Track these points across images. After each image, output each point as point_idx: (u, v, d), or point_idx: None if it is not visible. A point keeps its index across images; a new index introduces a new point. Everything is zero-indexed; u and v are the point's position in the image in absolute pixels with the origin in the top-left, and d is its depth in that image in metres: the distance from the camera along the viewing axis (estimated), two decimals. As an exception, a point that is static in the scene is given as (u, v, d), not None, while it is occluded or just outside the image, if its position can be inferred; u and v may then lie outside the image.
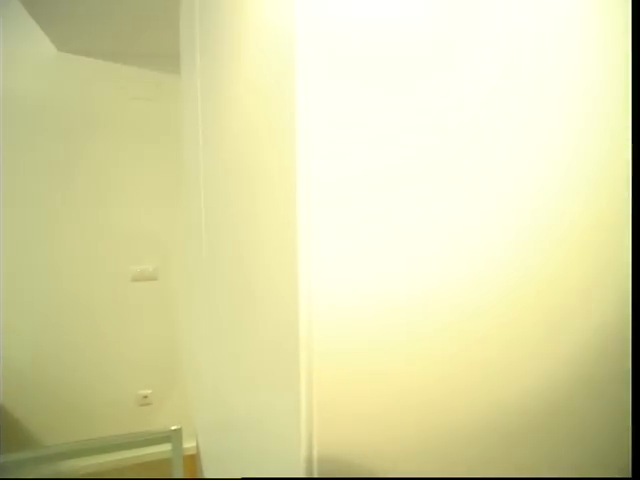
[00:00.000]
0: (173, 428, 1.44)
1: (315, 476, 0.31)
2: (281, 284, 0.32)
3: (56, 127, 1.98)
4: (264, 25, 0.34)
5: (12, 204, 1.97)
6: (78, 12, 1.64)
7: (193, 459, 1.42)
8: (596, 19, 0.29)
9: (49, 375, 2.08)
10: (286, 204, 0.30)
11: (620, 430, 0.29)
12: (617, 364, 0.29)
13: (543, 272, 0.30)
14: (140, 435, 1.52)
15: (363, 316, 0.30)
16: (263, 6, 0.34)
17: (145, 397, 2.08)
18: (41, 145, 1.98)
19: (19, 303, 2.01)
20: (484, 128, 0.30)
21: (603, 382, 0.30)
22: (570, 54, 0.29)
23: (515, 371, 0.32)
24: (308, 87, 0.27)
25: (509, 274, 0.30)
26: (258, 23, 0.36)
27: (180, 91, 1.45)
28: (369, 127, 0.29)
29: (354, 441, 0.31)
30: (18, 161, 1.96)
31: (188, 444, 1.38)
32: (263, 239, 0.35)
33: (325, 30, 0.27)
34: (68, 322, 2.07)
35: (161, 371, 2.11)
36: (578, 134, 0.28)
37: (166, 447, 1.41)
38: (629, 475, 0.27)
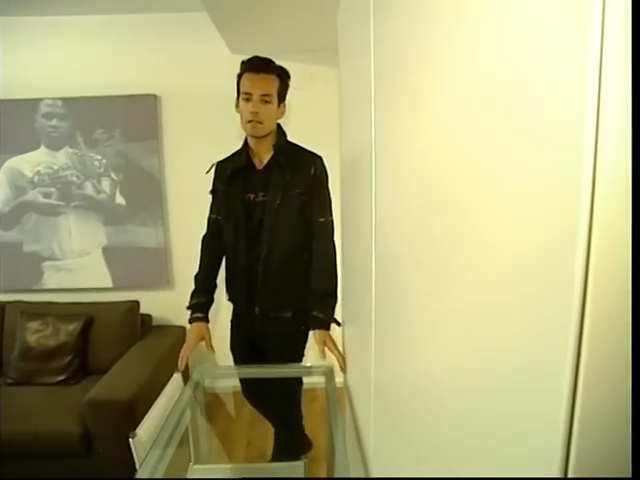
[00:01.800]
0: (327, 365, 1.76)
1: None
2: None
3: (229, 117, 2.36)
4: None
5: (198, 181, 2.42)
6: (251, 19, 1.96)
7: (341, 391, 1.72)
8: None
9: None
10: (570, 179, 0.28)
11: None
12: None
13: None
14: (302, 367, 1.90)
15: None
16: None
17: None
18: (215, 132, 2.41)
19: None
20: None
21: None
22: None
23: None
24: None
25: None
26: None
27: (339, 80, 1.63)
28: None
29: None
30: (195, 144, 2.41)
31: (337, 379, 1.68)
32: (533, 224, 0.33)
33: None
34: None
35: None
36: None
37: (321, 379, 1.74)
38: (629, 475, 0.26)
